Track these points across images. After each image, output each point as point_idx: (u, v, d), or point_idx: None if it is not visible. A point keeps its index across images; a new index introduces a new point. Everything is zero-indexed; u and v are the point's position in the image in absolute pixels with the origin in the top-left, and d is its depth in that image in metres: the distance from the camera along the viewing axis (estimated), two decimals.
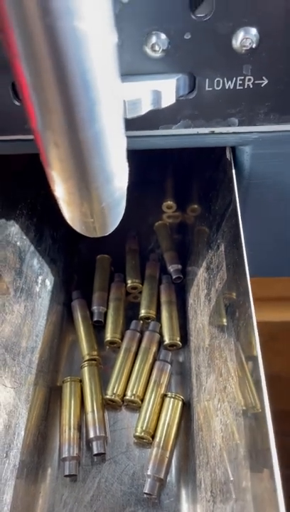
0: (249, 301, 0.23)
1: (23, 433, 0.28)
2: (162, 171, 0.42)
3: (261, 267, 0.39)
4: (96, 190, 0.20)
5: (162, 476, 0.29)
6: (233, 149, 0.29)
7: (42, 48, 0.13)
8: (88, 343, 0.35)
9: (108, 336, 0.35)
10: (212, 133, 0.27)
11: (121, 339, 0.36)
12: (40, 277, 0.34)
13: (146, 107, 0.23)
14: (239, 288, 0.25)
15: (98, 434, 0.30)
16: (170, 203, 0.44)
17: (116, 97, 0.17)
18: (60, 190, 0.21)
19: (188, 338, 0.35)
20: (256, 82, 0.24)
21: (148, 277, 0.39)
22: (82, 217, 0.22)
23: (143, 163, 0.34)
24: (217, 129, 0.27)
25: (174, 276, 0.39)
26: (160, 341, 0.36)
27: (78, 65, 0.14)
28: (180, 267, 0.39)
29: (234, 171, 0.29)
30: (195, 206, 0.42)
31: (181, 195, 0.44)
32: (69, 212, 0.22)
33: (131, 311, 0.38)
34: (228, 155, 0.30)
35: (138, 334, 0.36)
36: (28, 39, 0.13)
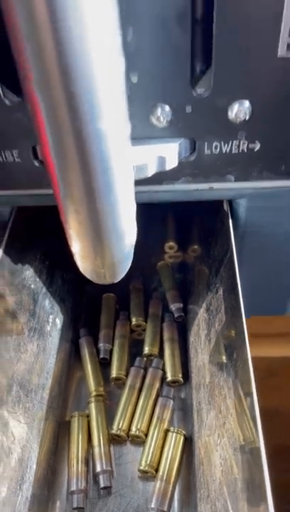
0: (245, 345, 0.26)
1: (34, 466, 0.29)
2: (164, 215, 0.45)
3: (259, 306, 0.41)
4: (109, 247, 0.22)
5: (165, 508, 0.30)
6: (230, 201, 0.32)
7: (69, 143, 0.16)
8: (95, 380, 0.37)
9: (113, 373, 0.37)
10: (211, 188, 0.30)
11: (126, 375, 0.38)
12: (50, 316, 0.36)
13: (151, 171, 0.26)
14: (237, 331, 0.27)
15: (104, 468, 0.32)
16: (171, 243, 0.47)
17: (129, 171, 0.20)
18: (76, 245, 0.23)
19: (189, 374, 0.37)
20: (250, 145, 0.27)
21: (151, 315, 0.41)
22: (95, 268, 0.25)
23: (147, 208, 0.36)
24: (215, 185, 0.30)
25: (176, 315, 0.41)
26: (163, 378, 0.37)
27: (98, 153, 0.17)
28: (181, 305, 0.42)
29: (231, 222, 0.32)
30: (196, 247, 0.44)
31: (182, 236, 0.47)
32: (82, 264, 0.25)
33: (135, 348, 0.40)
34: (225, 207, 0.32)
35: (142, 371, 0.38)
36: (58, 139, 0.16)
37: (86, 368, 0.38)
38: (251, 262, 0.36)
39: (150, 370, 0.37)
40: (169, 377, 0.37)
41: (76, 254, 0.24)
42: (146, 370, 0.38)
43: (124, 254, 0.23)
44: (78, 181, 0.18)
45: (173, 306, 0.42)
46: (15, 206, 0.32)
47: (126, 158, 0.19)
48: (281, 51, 0.23)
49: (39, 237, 0.36)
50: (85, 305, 0.43)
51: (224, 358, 0.30)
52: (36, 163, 0.28)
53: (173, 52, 0.24)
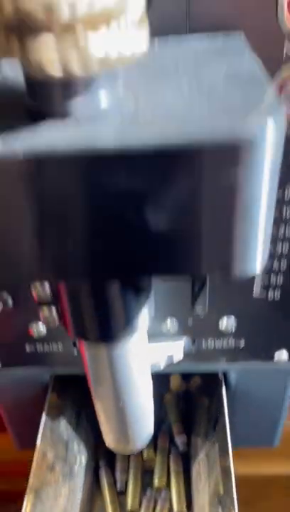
0: (234, 502, 0.33)
1: None
2: None
3: (251, 440, 0.49)
4: (132, 439, 0.31)
5: None
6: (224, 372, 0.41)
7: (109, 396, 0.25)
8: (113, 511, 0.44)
9: (129, 504, 0.44)
10: (207, 365, 0.39)
11: (140, 504, 0.45)
12: (77, 457, 0.44)
13: (163, 366, 0.35)
14: (227, 490, 0.35)
15: None
16: (176, 376, 0.55)
17: (150, 391, 0.29)
18: (103, 430, 0.32)
19: (193, 504, 0.44)
20: (236, 342, 0.36)
21: (159, 448, 0.49)
22: (118, 446, 0.33)
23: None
24: (211, 363, 0.39)
25: (181, 448, 0.49)
26: (170, 507, 0.44)
27: (131, 398, 0.26)
28: (185, 439, 0.49)
29: (224, 390, 0.40)
30: (197, 378, 0.53)
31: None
32: (107, 441, 0.33)
33: (146, 475, 0.48)
34: (220, 375, 0.41)
35: (152, 501, 0.45)
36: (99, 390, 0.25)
37: (105, 499, 0.45)
38: (243, 408, 0.44)
39: (159, 501, 0.45)
40: (175, 508, 0.44)
41: (102, 432, 0.33)
42: (156, 500, 0.45)
43: (143, 441, 0.32)
44: (109, 401, 0.27)
45: (178, 440, 0.49)
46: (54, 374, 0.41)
47: (148, 382, 0.28)
48: (255, 293, 0.33)
49: (73, 392, 0.44)
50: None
51: (220, 501, 0.37)
52: (75, 352, 0.37)
53: (179, 291, 0.33)
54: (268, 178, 0.15)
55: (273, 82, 0.17)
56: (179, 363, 0.38)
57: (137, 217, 0.15)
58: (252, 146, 0.13)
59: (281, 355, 0.37)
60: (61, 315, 0.20)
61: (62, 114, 0.14)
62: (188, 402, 0.54)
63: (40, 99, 0.14)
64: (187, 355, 0.37)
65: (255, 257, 0.16)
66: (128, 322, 0.20)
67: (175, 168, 0.14)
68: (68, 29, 0.12)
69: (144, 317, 0.21)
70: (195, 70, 0.17)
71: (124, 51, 0.13)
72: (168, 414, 0.53)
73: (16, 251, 0.16)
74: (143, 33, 0.14)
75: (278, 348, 0.36)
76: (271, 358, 0.37)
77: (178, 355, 0.36)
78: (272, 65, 0.22)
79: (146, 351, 0.23)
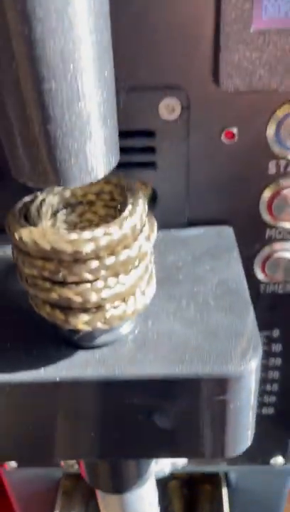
0: None
1: None
2: None
3: None
4: None
5: None
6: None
7: None
8: None
9: None
10: (210, 467, 0.42)
11: None
12: None
13: (167, 471, 0.38)
14: None
15: None
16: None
17: None
18: None
19: None
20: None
21: None
22: None
23: None
24: (212, 465, 0.41)
25: None
26: None
27: None
28: None
29: (225, 490, 0.43)
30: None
31: None
32: None
33: None
34: (221, 474, 0.44)
35: None
36: None
37: None
38: (243, 501, 0.47)
39: None
40: None
41: None
42: None
43: None
44: None
45: None
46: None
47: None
48: None
49: (82, 482, 0.47)
50: None
51: None
52: None
53: None
54: (253, 389, 0.19)
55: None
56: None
57: (148, 420, 0.19)
58: (240, 379, 0.17)
59: (277, 460, 0.40)
60: (79, 464, 0.24)
61: (90, 346, 0.18)
62: (191, 487, 0.56)
63: (72, 336, 0.18)
64: (190, 459, 0.40)
65: (246, 440, 0.20)
66: (139, 476, 0.23)
67: (179, 391, 0.18)
68: (97, 307, 0.16)
69: (153, 466, 0.24)
70: (192, 283, 0.21)
71: (138, 307, 0.17)
72: (172, 501, 0.55)
73: (52, 441, 0.19)
74: (152, 287, 0.18)
75: (274, 454, 0.39)
76: (268, 463, 0.40)
77: (182, 461, 0.39)
78: (256, 245, 0.27)
79: (155, 488, 0.27)
